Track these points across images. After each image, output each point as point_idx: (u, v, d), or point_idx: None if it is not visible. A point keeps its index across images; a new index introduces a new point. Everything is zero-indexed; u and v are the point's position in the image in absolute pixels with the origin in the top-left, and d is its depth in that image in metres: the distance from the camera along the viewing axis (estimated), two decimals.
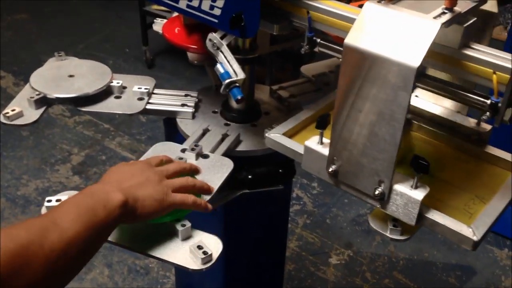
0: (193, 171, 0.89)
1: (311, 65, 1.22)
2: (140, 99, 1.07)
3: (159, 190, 0.77)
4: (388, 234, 0.79)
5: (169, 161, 0.89)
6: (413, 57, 0.62)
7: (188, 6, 0.90)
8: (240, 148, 1.02)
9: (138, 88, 1.08)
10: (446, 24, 0.66)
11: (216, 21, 0.87)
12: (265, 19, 0.85)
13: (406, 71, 0.63)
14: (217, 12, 0.86)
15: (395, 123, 0.67)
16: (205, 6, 0.87)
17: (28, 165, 2.49)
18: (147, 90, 1.08)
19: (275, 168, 1.03)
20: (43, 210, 0.80)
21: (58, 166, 2.51)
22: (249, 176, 1.01)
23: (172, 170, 0.84)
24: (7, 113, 1.00)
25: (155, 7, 3.11)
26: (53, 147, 2.62)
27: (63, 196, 0.82)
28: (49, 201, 0.80)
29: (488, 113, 0.70)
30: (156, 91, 1.12)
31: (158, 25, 1.18)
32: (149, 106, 1.06)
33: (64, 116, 2.83)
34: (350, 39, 0.67)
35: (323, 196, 2.45)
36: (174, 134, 1.10)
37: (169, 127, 1.13)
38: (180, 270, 1.52)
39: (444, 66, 0.74)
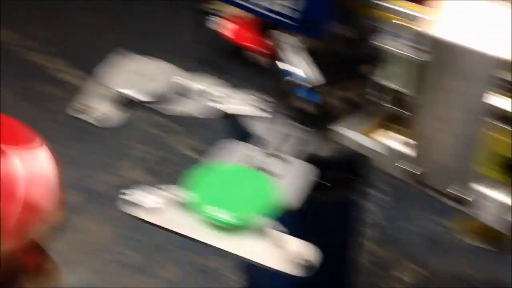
0: None
1: (376, 68, 1.17)
2: (214, 101, 1.09)
3: None
4: (478, 244, 0.74)
5: None
6: (505, 49, 0.58)
7: (266, 8, 0.91)
8: (309, 150, 1.00)
9: (215, 90, 1.09)
10: None
11: (293, 23, 0.87)
12: (339, 21, 0.84)
13: (497, 64, 0.59)
14: (294, 14, 0.86)
15: (483, 121, 0.63)
16: (284, 9, 0.87)
17: (100, 161, 2.58)
18: (223, 93, 1.09)
19: (349, 174, 1.01)
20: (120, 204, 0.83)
21: (131, 163, 2.58)
22: (322, 182, 0.99)
23: None
24: (98, 116, 1.03)
25: (209, 5, 3.11)
26: (127, 146, 2.71)
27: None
28: (124, 193, 0.83)
29: None
30: (233, 94, 1.13)
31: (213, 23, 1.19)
32: (223, 108, 1.08)
33: (137, 117, 2.92)
34: (438, 32, 0.64)
35: (395, 210, 2.36)
36: (249, 137, 1.11)
37: (244, 130, 1.14)
38: (247, 273, 1.52)
39: None
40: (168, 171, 2.55)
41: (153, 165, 2.62)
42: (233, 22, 1.09)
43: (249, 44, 1.04)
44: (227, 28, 1.10)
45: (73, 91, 1.20)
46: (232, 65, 3.35)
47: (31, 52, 3.39)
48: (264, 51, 1.02)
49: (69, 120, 1.05)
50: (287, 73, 0.89)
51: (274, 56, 0.94)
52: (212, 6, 3.61)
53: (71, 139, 2.71)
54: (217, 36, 1.14)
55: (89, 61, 1.13)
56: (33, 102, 2.93)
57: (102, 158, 2.64)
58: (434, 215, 2.29)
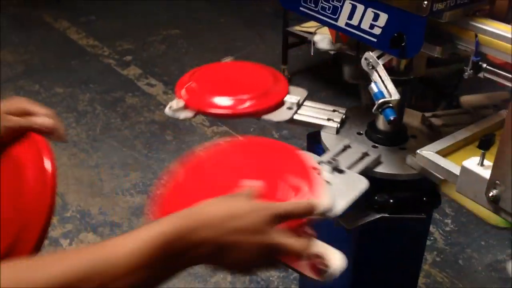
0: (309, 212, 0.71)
1: (471, 96, 1.15)
2: (289, 108, 1.10)
3: (257, 245, 0.63)
4: None
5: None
6: None
7: (347, 24, 0.91)
8: (381, 169, 0.99)
9: (289, 97, 1.10)
10: None
11: (374, 40, 0.87)
12: (427, 40, 0.83)
13: None
14: (377, 31, 0.86)
15: None
16: (365, 25, 0.87)
17: (169, 168, 2.68)
18: (297, 101, 1.10)
19: (420, 194, 0.99)
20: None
21: None
22: (391, 200, 0.98)
23: (283, 211, 0.66)
24: (171, 106, 1.07)
25: (298, 28, 3.20)
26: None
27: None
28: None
29: None
30: (305, 103, 1.13)
31: (322, 42, 1.21)
32: (296, 116, 1.09)
33: (203, 125, 3.01)
34: None
35: (456, 234, 2.28)
36: (315, 148, 1.11)
37: (311, 140, 1.15)
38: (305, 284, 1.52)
39: None
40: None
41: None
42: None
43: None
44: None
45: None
46: (307, 84, 3.37)
47: (121, 66, 3.60)
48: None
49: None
50: (370, 89, 0.89)
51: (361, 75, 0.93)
52: (299, 29, 3.62)
53: (143, 145, 2.83)
54: (299, 57, 1.16)
55: (176, 78, 1.19)
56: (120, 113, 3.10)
57: (168, 164, 2.72)
58: (505, 246, 2.19)
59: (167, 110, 1.07)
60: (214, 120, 3.01)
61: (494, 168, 0.70)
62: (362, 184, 0.90)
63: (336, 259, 0.74)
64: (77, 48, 3.83)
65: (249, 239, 0.63)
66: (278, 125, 2.84)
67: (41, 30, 4.07)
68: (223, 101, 1.07)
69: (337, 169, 0.93)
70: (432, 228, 2.30)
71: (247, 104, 1.07)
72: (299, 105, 1.11)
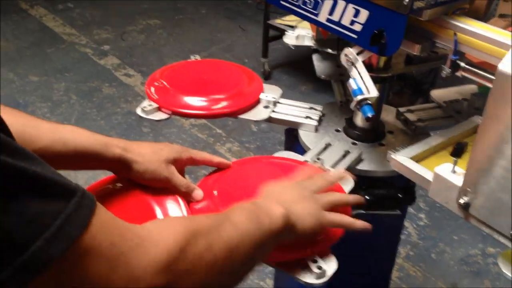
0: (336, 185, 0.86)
1: (442, 90, 1.17)
2: (266, 107, 1.10)
3: (314, 207, 0.75)
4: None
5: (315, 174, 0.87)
6: None
7: (327, 20, 0.91)
8: (361, 167, 1.00)
9: (265, 96, 1.10)
10: None
11: (355, 36, 0.86)
12: (407, 38, 0.83)
13: None
14: (357, 27, 0.85)
15: None
16: (346, 21, 0.87)
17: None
18: (273, 99, 1.10)
19: (395, 191, 1.00)
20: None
21: None
22: (367, 197, 0.99)
23: (319, 186, 0.81)
24: (145, 107, 1.06)
25: (279, 21, 3.19)
26: None
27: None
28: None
29: None
30: (281, 100, 1.14)
31: (289, 38, 1.21)
32: (273, 115, 1.09)
33: (181, 118, 2.99)
34: (505, 65, 0.63)
35: (430, 229, 2.32)
36: (294, 145, 1.11)
37: (290, 138, 1.14)
38: (279, 283, 1.53)
39: None
40: (205, 173, 2.58)
41: (192, 167, 2.65)
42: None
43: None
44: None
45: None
46: (287, 78, 3.38)
47: (99, 55, 3.54)
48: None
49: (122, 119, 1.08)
50: (348, 85, 0.89)
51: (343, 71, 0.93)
52: (280, 22, 3.60)
53: (119, 137, 2.78)
54: (280, 50, 1.16)
55: (154, 69, 1.18)
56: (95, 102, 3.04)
57: None
58: (476, 241, 2.24)
59: (139, 111, 1.05)
60: None
61: (466, 176, 0.72)
62: (348, 183, 0.91)
63: (328, 261, 0.75)
64: (53, 36, 3.75)
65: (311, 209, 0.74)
66: None
67: (17, 17, 3.98)
68: (197, 102, 1.06)
69: (322, 169, 0.94)
70: (406, 223, 2.33)
71: (223, 104, 1.06)
72: (276, 103, 1.10)
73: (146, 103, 1.07)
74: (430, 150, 0.90)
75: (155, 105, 1.06)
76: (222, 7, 4.33)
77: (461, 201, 0.74)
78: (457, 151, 0.74)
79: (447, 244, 2.25)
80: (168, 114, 1.06)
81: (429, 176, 0.81)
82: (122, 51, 3.62)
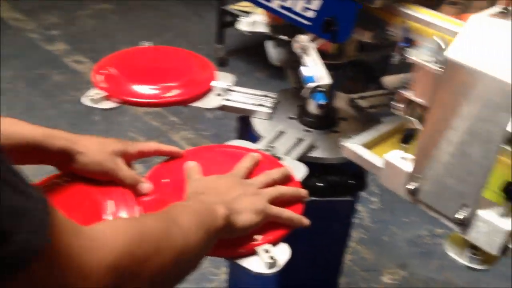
0: (282, 181, 0.85)
1: (394, 77, 1.18)
2: (218, 94, 1.08)
3: (255, 202, 0.75)
4: (466, 262, 0.75)
5: (255, 165, 0.87)
6: None
7: (281, 6, 0.90)
8: (314, 154, 1.01)
9: (218, 84, 1.09)
10: None
11: (308, 23, 0.86)
12: (358, 25, 0.83)
13: (510, 90, 0.59)
14: (310, 14, 0.85)
15: (490, 145, 0.63)
16: (298, 8, 0.87)
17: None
18: (226, 87, 1.08)
19: (347, 178, 1.01)
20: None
21: None
22: (320, 184, 0.99)
23: (261, 182, 0.81)
24: (91, 96, 1.03)
25: (234, 6, 3.16)
26: (122, 135, 2.71)
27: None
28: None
29: None
30: (234, 88, 1.12)
31: (243, 24, 1.19)
32: (226, 103, 1.07)
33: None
34: (452, 53, 0.64)
35: (382, 212, 2.38)
36: (247, 133, 1.10)
37: (243, 125, 1.14)
38: (234, 270, 1.53)
39: None
40: (159, 161, 2.54)
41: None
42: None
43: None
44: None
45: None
46: (242, 65, 3.34)
47: (47, 41, 3.39)
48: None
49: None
50: (300, 73, 0.89)
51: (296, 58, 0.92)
52: (236, 8, 3.54)
53: (68, 126, 2.69)
54: (235, 36, 1.14)
55: (105, 55, 1.14)
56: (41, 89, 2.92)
57: None
58: (425, 223, 2.31)
59: (84, 100, 1.01)
60: None
61: (414, 162, 0.73)
62: (302, 170, 0.91)
63: (280, 250, 0.75)
64: None
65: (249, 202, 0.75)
66: None
67: None
68: (148, 90, 1.03)
69: (275, 157, 0.93)
70: (359, 207, 2.38)
71: (174, 92, 1.04)
72: (229, 91, 1.09)
73: (93, 92, 1.03)
74: (381, 137, 0.92)
75: (102, 93, 1.03)
76: None
77: (410, 187, 0.75)
78: (406, 138, 0.75)
79: (398, 226, 2.32)
80: (117, 102, 1.03)
81: (379, 162, 0.82)
82: (71, 37, 3.49)
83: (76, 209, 0.78)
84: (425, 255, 2.18)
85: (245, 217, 0.73)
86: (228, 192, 0.76)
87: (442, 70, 0.66)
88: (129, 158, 0.84)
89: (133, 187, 0.81)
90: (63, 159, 0.77)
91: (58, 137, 0.76)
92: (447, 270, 2.11)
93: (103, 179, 0.80)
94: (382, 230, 2.30)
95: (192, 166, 0.84)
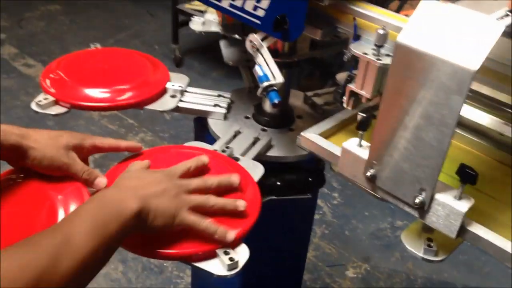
0: (221, 190, 0.80)
1: (346, 73, 1.19)
2: (173, 96, 1.06)
3: (173, 205, 0.72)
4: (421, 254, 0.75)
5: (200, 168, 0.83)
6: (472, 60, 0.58)
7: (231, 5, 0.89)
8: (271, 153, 1.00)
9: (172, 85, 1.07)
10: (509, 27, 0.62)
11: (258, 22, 0.85)
12: (309, 23, 0.83)
13: (462, 74, 0.59)
14: (260, 13, 0.84)
15: (444, 128, 0.63)
16: (249, 7, 0.86)
17: None
18: (180, 88, 1.07)
19: (305, 176, 1.01)
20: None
21: None
22: (278, 183, 0.99)
23: (193, 186, 0.77)
24: (40, 101, 1.00)
25: (188, 5, 3.12)
26: None
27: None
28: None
29: None
30: (189, 89, 1.11)
31: (196, 24, 1.17)
32: (181, 104, 1.05)
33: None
34: (403, 37, 0.63)
35: (343, 207, 2.41)
36: (203, 134, 1.09)
37: (199, 126, 1.12)
38: (197, 272, 1.51)
39: (495, 83, 0.71)
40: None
41: (102, 158, 2.55)
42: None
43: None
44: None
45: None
46: (198, 64, 3.30)
47: None
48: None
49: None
50: (254, 72, 0.88)
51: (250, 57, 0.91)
52: (190, 7, 3.48)
53: None
54: (190, 36, 1.13)
55: (56, 58, 1.11)
56: None
57: None
58: (386, 215, 2.36)
59: (34, 106, 0.98)
60: None
61: (371, 149, 0.73)
62: (259, 170, 0.90)
63: (240, 251, 0.74)
64: None
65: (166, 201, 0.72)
66: None
67: None
68: (100, 93, 1.00)
69: (232, 157, 0.92)
70: (321, 203, 2.41)
71: (127, 95, 1.01)
72: (183, 92, 1.07)
73: (42, 97, 1.00)
74: (338, 126, 0.91)
75: (51, 98, 1.00)
76: None
77: (368, 173, 0.75)
78: (362, 124, 0.74)
79: (359, 220, 2.35)
80: (67, 107, 1.00)
81: (337, 151, 0.81)
82: (20, 40, 3.37)
83: (28, 207, 0.75)
84: (387, 247, 2.22)
85: (158, 216, 0.70)
86: (148, 187, 0.72)
87: (381, 61, 0.66)
88: (84, 153, 0.81)
89: (88, 182, 0.78)
90: (15, 155, 0.74)
91: (10, 133, 0.73)
92: (409, 262, 2.16)
93: (57, 174, 0.77)
94: (344, 224, 2.33)
95: (138, 161, 0.82)
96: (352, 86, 0.80)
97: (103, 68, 1.09)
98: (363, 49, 0.78)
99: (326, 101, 1.11)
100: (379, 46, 0.75)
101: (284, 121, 1.06)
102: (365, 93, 0.79)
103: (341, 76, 1.17)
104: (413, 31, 0.63)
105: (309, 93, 1.13)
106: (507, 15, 0.64)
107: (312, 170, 1.04)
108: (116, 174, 0.83)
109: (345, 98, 0.83)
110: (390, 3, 2.42)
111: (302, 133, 0.87)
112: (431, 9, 0.64)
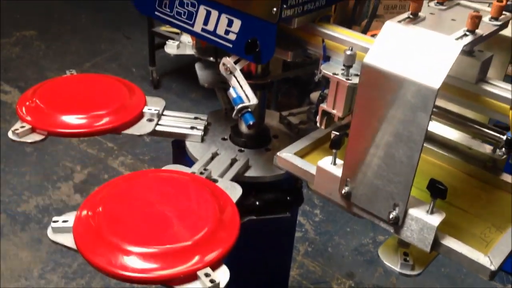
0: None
1: (319, 93, 1.22)
2: (150, 120, 1.07)
3: None
4: (398, 269, 0.77)
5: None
6: (434, 78, 0.61)
7: (203, 30, 0.90)
8: (249, 173, 1.01)
9: (148, 109, 1.08)
10: (468, 46, 0.65)
11: (230, 45, 0.87)
12: (280, 45, 0.85)
13: (426, 92, 0.62)
14: (232, 37, 0.86)
15: (412, 145, 0.65)
16: (220, 31, 0.87)
17: (30, 182, 2.48)
18: (157, 112, 1.07)
19: (283, 195, 1.02)
20: (49, 231, 0.79)
21: (60, 183, 2.50)
22: (257, 203, 1.00)
23: None
24: (17, 129, 0.99)
25: (164, 28, 3.14)
26: (56, 164, 2.61)
27: (70, 216, 0.81)
28: (56, 221, 0.79)
29: (504, 149, 0.69)
30: (165, 112, 1.11)
31: (170, 47, 1.19)
32: (158, 128, 1.06)
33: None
34: (370, 59, 0.66)
35: (325, 223, 2.42)
36: (182, 156, 1.09)
37: (177, 149, 1.13)
38: None
39: (460, 100, 0.74)
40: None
41: (82, 183, 2.53)
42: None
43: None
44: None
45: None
46: (176, 86, 3.28)
47: None
48: None
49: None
50: (228, 94, 0.89)
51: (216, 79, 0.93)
52: (166, 29, 3.46)
53: (2, 158, 2.56)
54: (167, 58, 1.14)
55: (33, 84, 1.11)
56: None
57: (30, 178, 2.51)
58: (368, 230, 2.37)
59: (10, 134, 0.98)
60: None
61: (345, 167, 0.75)
62: (237, 191, 0.91)
63: (220, 272, 0.74)
64: None
65: None
66: None
67: None
68: (76, 120, 1.00)
69: (210, 179, 0.93)
70: (303, 220, 2.41)
71: (104, 120, 1.01)
72: (160, 116, 1.08)
73: (18, 125, 1.00)
74: (312, 145, 0.93)
75: (28, 126, 0.99)
76: (101, 14, 4.17)
77: (343, 191, 0.76)
78: (335, 143, 0.76)
79: (341, 236, 2.36)
80: (44, 135, 1.00)
81: (312, 170, 0.83)
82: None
83: None
84: (370, 263, 2.23)
85: None
86: None
87: (350, 81, 0.68)
88: None
89: None
90: None
91: None
92: (393, 276, 2.17)
93: None
94: (327, 241, 2.33)
95: None
96: (324, 106, 0.82)
97: (80, 94, 1.09)
98: (333, 69, 0.80)
99: (301, 120, 1.13)
100: (348, 66, 0.77)
101: (260, 141, 1.08)
102: (337, 112, 0.81)
103: (314, 96, 1.19)
104: (379, 52, 0.66)
105: (284, 113, 1.15)
106: (466, 34, 0.67)
107: (290, 189, 1.05)
108: (93, 202, 0.83)
109: (318, 118, 0.85)
110: (361, 22, 2.48)
111: (278, 153, 0.88)
112: (394, 31, 0.66)
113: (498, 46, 0.80)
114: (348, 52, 0.76)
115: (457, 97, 0.73)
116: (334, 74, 0.79)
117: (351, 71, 0.78)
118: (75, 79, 1.16)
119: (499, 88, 0.70)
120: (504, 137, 0.69)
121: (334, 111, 0.81)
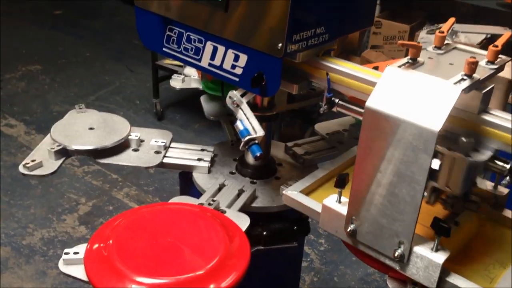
0: None
1: (325, 123, 1.24)
2: (157, 152, 1.09)
3: None
4: None
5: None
6: (434, 121, 0.64)
7: (210, 64, 0.93)
8: (256, 204, 1.02)
9: (156, 141, 1.09)
10: (466, 90, 0.68)
11: (237, 79, 0.89)
12: (285, 79, 0.88)
13: (427, 134, 0.64)
14: (238, 71, 0.89)
15: (415, 185, 0.68)
16: (227, 65, 0.90)
17: (35, 214, 2.48)
18: (164, 144, 1.09)
19: (291, 225, 1.03)
20: (61, 263, 0.79)
21: (65, 215, 2.50)
22: (264, 233, 1.01)
23: None
24: (27, 163, 1.01)
25: (167, 61, 3.19)
26: (61, 197, 2.62)
27: (81, 248, 0.81)
28: (67, 253, 0.80)
29: (508, 178, 0.70)
30: (172, 144, 1.13)
31: (176, 81, 1.22)
32: (165, 160, 1.08)
33: (73, 165, 2.85)
34: (372, 102, 0.69)
35: (330, 253, 2.41)
36: (189, 188, 1.11)
37: (184, 181, 1.14)
38: None
39: (463, 130, 0.75)
40: (102, 221, 2.47)
41: (87, 215, 2.53)
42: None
43: None
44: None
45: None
46: (180, 117, 3.29)
47: None
48: None
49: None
50: (235, 127, 0.91)
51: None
52: (169, 62, 3.52)
53: (4, 192, 2.58)
54: (170, 90, 1.17)
55: (38, 117, 1.13)
56: None
57: (35, 210, 2.51)
58: None
59: (21, 168, 1.01)
60: (84, 159, 2.86)
61: (350, 205, 0.76)
62: (245, 221, 0.92)
63: None
64: None
65: None
66: None
67: None
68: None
69: (218, 210, 0.94)
70: (308, 250, 2.40)
71: None
72: (166, 148, 1.10)
73: (29, 159, 1.02)
74: (318, 183, 0.95)
75: (38, 159, 1.02)
76: (104, 47, 4.25)
77: (348, 229, 0.78)
78: (340, 182, 0.78)
79: (347, 266, 2.34)
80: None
81: (318, 208, 0.84)
82: (0, 101, 3.38)
83: None
84: None
85: None
86: None
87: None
88: None
89: None
90: None
91: None
92: None
93: None
94: (333, 271, 2.32)
95: None
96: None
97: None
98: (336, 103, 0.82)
99: (306, 151, 1.14)
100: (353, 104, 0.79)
101: (267, 172, 1.09)
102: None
103: (319, 127, 1.21)
104: (380, 96, 0.68)
105: (290, 144, 1.17)
106: (464, 79, 0.70)
107: (296, 218, 1.06)
108: (103, 235, 0.83)
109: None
110: (360, 53, 2.53)
111: (284, 192, 0.90)
112: (395, 75, 0.69)
113: (496, 86, 0.83)
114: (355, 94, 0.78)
115: (460, 127, 0.75)
116: (341, 109, 0.80)
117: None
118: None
119: (501, 118, 0.72)
120: (508, 166, 0.70)
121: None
